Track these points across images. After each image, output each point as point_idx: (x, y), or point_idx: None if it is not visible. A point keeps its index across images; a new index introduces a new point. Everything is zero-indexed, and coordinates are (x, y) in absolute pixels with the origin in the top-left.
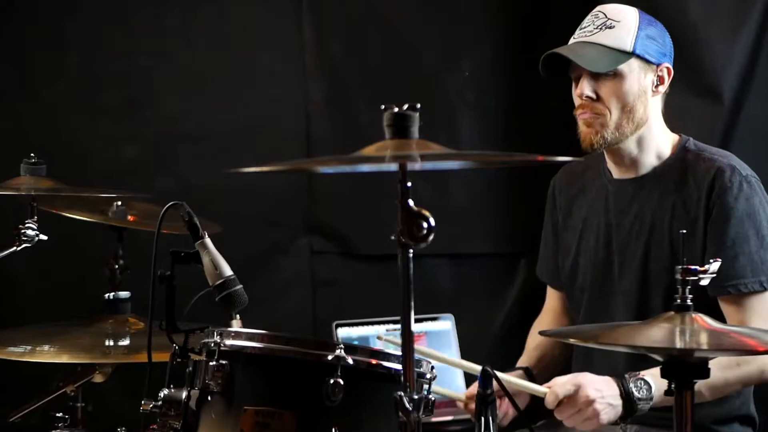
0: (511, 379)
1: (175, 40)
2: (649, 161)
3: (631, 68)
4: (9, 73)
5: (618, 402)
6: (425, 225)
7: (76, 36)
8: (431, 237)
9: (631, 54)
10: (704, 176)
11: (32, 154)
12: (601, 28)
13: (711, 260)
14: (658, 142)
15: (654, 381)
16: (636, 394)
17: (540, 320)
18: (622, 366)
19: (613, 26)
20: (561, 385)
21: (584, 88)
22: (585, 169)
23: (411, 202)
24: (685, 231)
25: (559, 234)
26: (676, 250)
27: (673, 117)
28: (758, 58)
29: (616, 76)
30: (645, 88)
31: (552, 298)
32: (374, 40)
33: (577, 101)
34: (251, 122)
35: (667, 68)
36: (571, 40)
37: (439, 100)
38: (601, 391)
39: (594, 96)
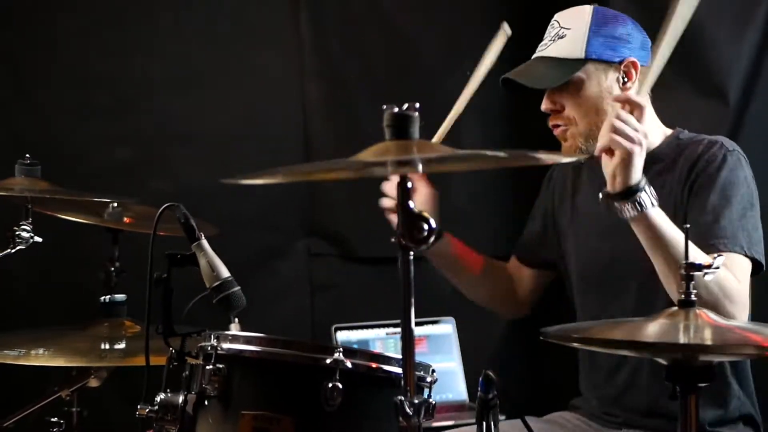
0: None
1: (170, 39)
2: None
3: (588, 73)
4: (1, 73)
5: (640, 161)
6: (426, 227)
7: (68, 35)
8: (432, 239)
9: (584, 60)
10: (692, 153)
11: (27, 155)
12: (554, 39)
13: (716, 255)
14: None
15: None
16: (649, 188)
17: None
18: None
19: (564, 35)
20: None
21: (544, 103)
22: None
23: (411, 204)
24: (689, 225)
25: (552, 218)
26: None
27: (677, 117)
28: (764, 57)
29: (573, 84)
30: (609, 88)
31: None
32: (374, 40)
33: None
34: (248, 123)
35: (632, 62)
36: (534, 55)
37: (439, 100)
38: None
39: (557, 108)
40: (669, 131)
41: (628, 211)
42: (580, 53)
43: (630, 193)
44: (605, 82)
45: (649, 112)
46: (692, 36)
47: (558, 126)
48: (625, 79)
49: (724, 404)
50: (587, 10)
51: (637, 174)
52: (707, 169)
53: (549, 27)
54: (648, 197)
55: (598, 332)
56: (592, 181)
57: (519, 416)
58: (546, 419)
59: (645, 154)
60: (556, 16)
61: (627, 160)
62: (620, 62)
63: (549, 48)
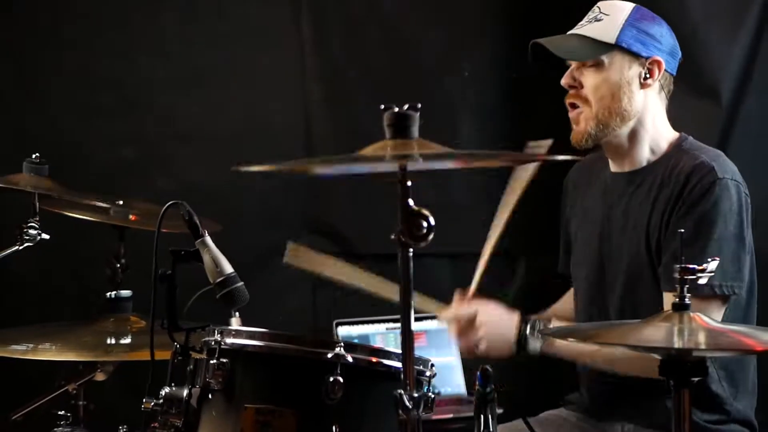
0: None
1: (174, 40)
2: (643, 156)
3: (613, 59)
4: (7, 74)
5: (512, 334)
6: (425, 224)
7: (74, 36)
8: (431, 236)
9: (614, 46)
10: (682, 173)
11: (37, 154)
12: (590, 21)
13: (709, 258)
14: (653, 138)
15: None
16: (527, 332)
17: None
18: None
19: (602, 19)
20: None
21: (566, 77)
22: (594, 161)
23: (411, 202)
24: (683, 230)
25: (566, 228)
26: (651, 246)
27: (671, 117)
28: (756, 58)
29: (598, 66)
30: (629, 79)
31: None
32: (374, 40)
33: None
34: (251, 122)
35: (657, 62)
36: (569, 32)
37: (439, 100)
38: (498, 320)
39: (577, 85)
40: (675, 136)
41: (535, 348)
42: (611, 38)
43: (521, 348)
44: (627, 72)
45: (660, 116)
46: (686, 37)
47: (573, 106)
48: (647, 76)
49: (713, 412)
50: (629, 4)
51: (507, 340)
52: (690, 197)
53: (590, 11)
54: (533, 335)
55: (594, 335)
56: (600, 184)
57: (517, 415)
58: (540, 419)
59: (486, 315)
60: (599, 3)
61: (493, 348)
62: (646, 58)
63: (584, 28)
